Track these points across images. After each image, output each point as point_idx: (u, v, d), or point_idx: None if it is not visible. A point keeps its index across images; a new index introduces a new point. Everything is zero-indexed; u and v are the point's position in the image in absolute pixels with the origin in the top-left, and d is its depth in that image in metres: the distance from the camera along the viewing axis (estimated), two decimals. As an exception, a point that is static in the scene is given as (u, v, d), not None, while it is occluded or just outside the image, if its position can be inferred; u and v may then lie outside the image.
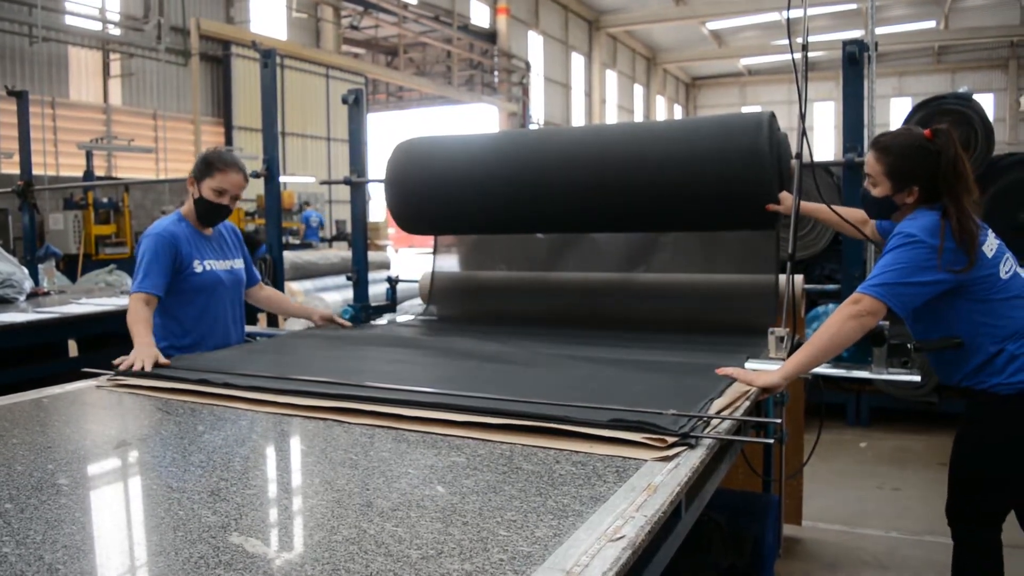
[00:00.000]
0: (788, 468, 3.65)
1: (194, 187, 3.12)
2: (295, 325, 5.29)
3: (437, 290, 3.94)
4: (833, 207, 2.80)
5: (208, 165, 3.11)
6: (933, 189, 2.40)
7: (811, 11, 3.10)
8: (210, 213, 3.14)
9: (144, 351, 2.67)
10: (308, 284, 11.01)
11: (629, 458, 1.68)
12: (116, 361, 2.63)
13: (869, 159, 2.51)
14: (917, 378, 2.53)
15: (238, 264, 3.30)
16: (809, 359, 2.30)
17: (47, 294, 5.69)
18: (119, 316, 4.94)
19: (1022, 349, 2.38)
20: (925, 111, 5.70)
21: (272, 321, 4.98)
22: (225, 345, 3.14)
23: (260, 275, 3.58)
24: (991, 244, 2.44)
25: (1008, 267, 2.44)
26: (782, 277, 3.11)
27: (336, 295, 10.32)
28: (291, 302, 3.68)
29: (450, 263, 4.06)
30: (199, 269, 3.10)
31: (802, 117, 2.93)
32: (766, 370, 2.34)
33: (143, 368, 2.56)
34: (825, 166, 4.48)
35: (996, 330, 2.40)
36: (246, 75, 18.49)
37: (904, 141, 2.45)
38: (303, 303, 3.67)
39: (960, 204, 2.36)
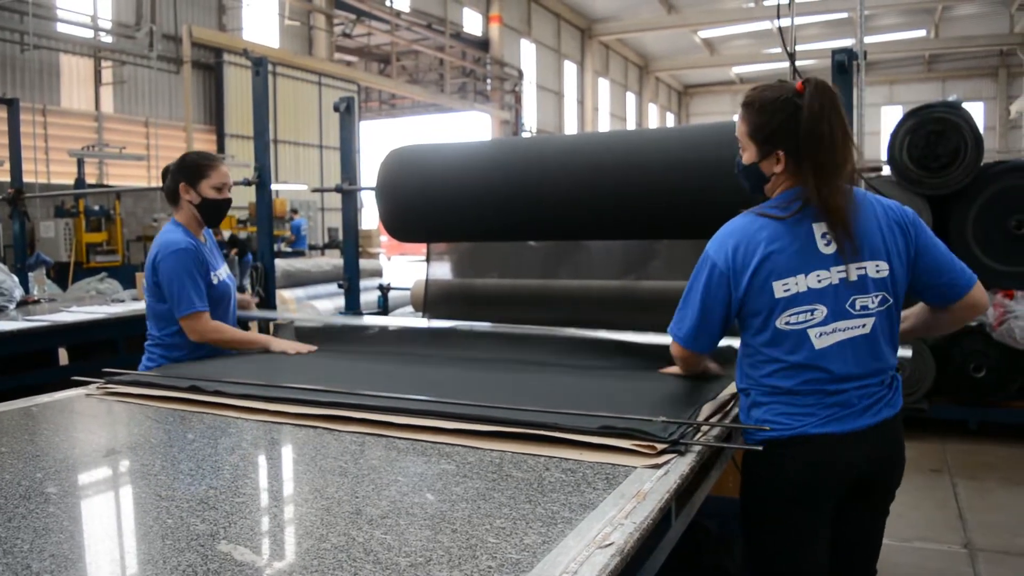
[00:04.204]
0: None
1: (190, 193, 3.09)
2: (287, 332, 5.27)
3: (430, 298, 3.94)
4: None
5: (199, 166, 3.11)
6: (798, 155, 1.96)
7: (802, 20, 3.13)
8: (217, 210, 3.14)
9: (290, 344, 3.08)
10: (300, 292, 11.00)
11: (619, 465, 1.68)
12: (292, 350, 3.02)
13: (738, 120, 2.10)
14: (908, 353, 2.49)
15: (228, 271, 3.29)
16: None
17: (37, 302, 5.67)
18: (110, 324, 4.98)
19: (764, 398, 1.99)
20: (915, 119, 5.74)
21: (263, 328, 4.97)
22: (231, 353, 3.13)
23: (250, 285, 3.58)
24: (816, 278, 1.92)
25: (809, 319, 1.92)
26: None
27: (328, 303, 10.31)
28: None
29: (442, 271, 4.06)
30: (215, 280, 3.09)
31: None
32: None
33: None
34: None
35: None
36: (238, 83, 18.47)
37: (769, 95, 1.99)
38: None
39: (822, 175, 1.91)
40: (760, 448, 1.94)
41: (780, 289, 1.91)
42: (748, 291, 1.94)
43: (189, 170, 3.11)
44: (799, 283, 1.91)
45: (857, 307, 1.94)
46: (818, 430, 1.93)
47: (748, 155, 2.05)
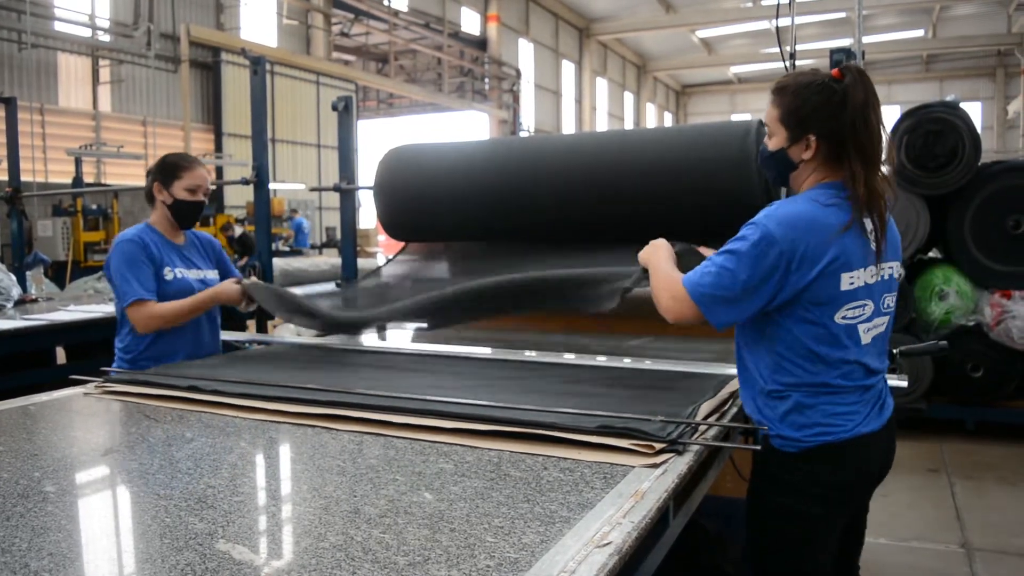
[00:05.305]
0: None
1: (163, 193, 3.04)
2: (285, 331, 5.27)
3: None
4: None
5: (174, 167, 3.06)
6: (835, 143, 1.89)
7: (800, 20, 3.13)
8: (188, 213, 3.08)
9: (224, 290, 3.01)
10: (298, 291, 10.97)
11: (617, 464, 1.68)
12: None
13: (768, 107, 2.01)
14: (904, 383, 2.52)
15: (212, 275, 3.19)
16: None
17: (35, 301, 5.66)
18: (108, 323, 4.94)
19: (811, 400, 1.91)
20: (913, 119, 5.75)
21: (260, 327, 4.96)
22: (197, 357, 3.04)
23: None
24: (870, 272, 1.90)
25: (857, 315, 1.90)
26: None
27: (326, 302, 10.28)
28: None
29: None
30: (169, 277, 2.99)
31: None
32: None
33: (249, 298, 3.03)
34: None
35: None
36: (236, 82, 18.43)
37: (803, 79, 1.92)
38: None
39: (870, 165, 1.88)
40: (759, 447, 1.95)
41: (846, 282, 1.85)
42: (815, 281, 1.83)
43: (164, 170, 3.06)
44: (860, 277, 1.88)
45: (885, 305, 1.97)
46: (867, 428, 1.94)
47: (776, 141, 1.97)
